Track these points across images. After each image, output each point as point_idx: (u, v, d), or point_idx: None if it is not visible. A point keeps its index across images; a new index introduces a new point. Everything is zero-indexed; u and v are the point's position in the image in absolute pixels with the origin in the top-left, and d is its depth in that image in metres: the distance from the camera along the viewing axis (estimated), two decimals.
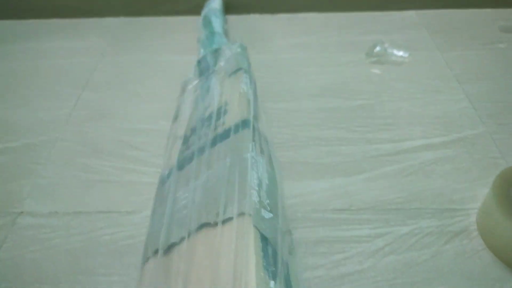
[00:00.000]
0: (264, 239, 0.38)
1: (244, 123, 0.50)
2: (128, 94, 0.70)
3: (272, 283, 0.34)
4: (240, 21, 0.90)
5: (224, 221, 0.39)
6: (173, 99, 0.68)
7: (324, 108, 0.66)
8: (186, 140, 0.54)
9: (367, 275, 0.46)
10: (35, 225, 0.51)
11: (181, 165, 0.50)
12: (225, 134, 0.50)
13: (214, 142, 0.50)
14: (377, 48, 0.74)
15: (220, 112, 0.55)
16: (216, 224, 0.39)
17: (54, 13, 0.91)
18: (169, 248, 0.41)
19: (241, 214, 0.40)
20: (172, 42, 0.84)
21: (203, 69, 0.66)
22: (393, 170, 0.57)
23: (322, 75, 0.73)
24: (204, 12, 0.86)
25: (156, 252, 0.41)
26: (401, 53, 0.75)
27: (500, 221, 0.45)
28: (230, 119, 0.52)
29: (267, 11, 0.91)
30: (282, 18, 0.90)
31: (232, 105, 0.55)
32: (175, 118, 0.61)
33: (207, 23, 0.80)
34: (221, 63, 0.63)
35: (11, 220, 0.52)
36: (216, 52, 0.67)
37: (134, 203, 0.53)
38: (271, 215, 0.41)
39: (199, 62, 0.68)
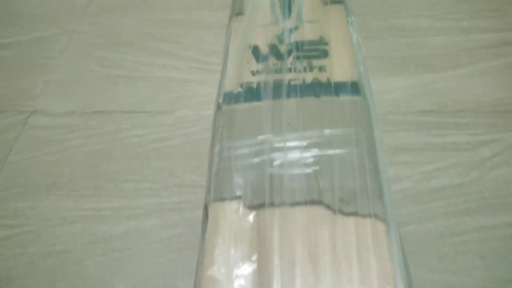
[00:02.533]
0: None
1: (355, 88, 0.35)
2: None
3: None
4: None
5: (348, 214, 0.28)
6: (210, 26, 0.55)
7: None
8: (262, 56, 0.39)
9: (470, 190, 0.34)
10: (49, 125, 0.42)
11: (266, 93, 0.36)
12: (329, 88, 0.36)
13: (316, 91, 0.35)
14: None
15: (318, 49, 0.39)
16: (335, 211, 0.29)
17: None
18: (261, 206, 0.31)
19: (375, 216, 0.29)
20: None
21: None
22: (499, 64, 0.43)
23: None
24: None
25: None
26: None
27: None
28: (333, 70, 0.37)
29: None
30: None
31: (335, 48, 0.38)
32: (237, 12, 0.46)
33: None
34: None
35: (23, 119, 0.43)
36: None
37: (164, 102, 0.43)
38: None
39: None
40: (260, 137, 0.32)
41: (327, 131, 0.32)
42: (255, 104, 0.36)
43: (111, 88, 0.45)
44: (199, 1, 0.53)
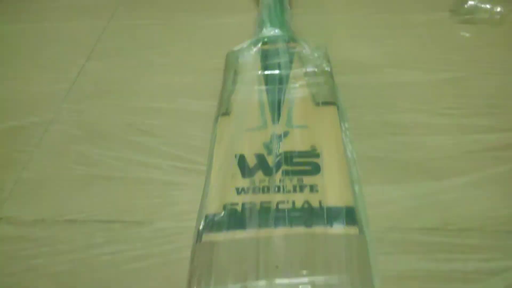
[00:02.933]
0: None
1: (350, 215, 0.32)
2: (141, 63, 0.56)
3: None
4: None
5: None
6: (201, 71, 0.53)
7: (396, 83, 0.49)
8: (248, 170, 0.36)
9: None
10: (14, 237, 0.38)
11: (251, 220, 0.32)
12: (322, 215, 0.32)
13: (307, 219, 0.31)
14: (468, 3, 0.55)
15: (309, 162, 0.35)
16: None
17: None
18: None
19: None
20: (199, 2, 0.68)
21: (270, 66, 0.46)
22: (506, 172, 0.40)
23: (392, 39, 0.56)
24: None
25: None
26: (498, 8, 0.56)
27: None
28: (326, 191, 0.33)
29: None
30: None
31: (327, 163, 0.35)
32: (223, 111, 0.43)
33: None
34: (302, 72, 0.44)
35: None
36: (291, 47, 0.48)
37: (142, 210, 0.39)
38: None
39: (264, 52, 0.48)
40: (242, 285, 0.28)
41: (319, 279, 0.28)
42: (239, 234, 0.32)
43: (87, 190, 0.41)
44: (186, 89, 0.51)
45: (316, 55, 0.46)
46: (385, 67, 0.51)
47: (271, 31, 0.50)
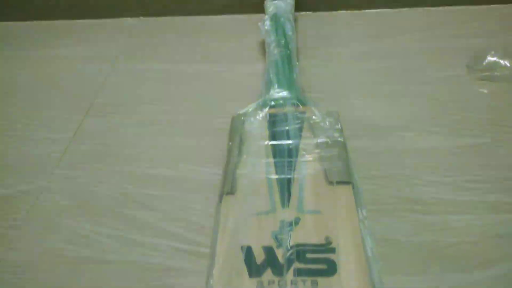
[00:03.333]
0: None
1: None
2: (142, 121, 0.53)
3: None
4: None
5: None
6: (204, 132, 0.50)
7: (415, 150, 0.45)
8: (256, 268, 0.31)
9: None
10: None
11: None
12: None
13: None
14: (487, 59, 0.53)
15: (324, 259, 0.31)
16: None
17: (57, 14, 0.75)
18: None
19: None
20: (203, 48, 0.66)
21: (278, 134, 0.42)
22: None
23: (407, 97, 0.52)
24: (271, 9, 0.62)
25: None
26: None
27: None
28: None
29: (323, 8, 0.71)
30: (345, 16, 0.70)
31: (344, 261, 0.31)
32: (227, 190, 0.39)
33: (280, 33, 0.57)
34: (313, 142, 0.41)
35: None
36: (300, 112, 0.44)
37: None
38: None
39: (272, 118, 0.44)
40: None
41: None
42: None
43: (76, 277, 0.38)
44: (189, 153, 0.48)
45: (327, 123, 0.42)
46: (402, 129, 0.48)
47: (279, 93, 0.47)
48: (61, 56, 0.67)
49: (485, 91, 0.52)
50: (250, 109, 0.46)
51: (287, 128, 0.43)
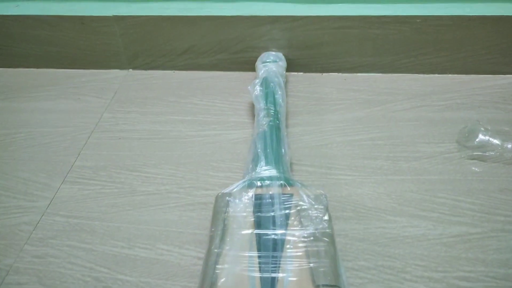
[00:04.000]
0: None
1: None
2: (121, 191, 0.50)
3: None
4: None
5: None
6: (186, 206, 0.48)
7: (403, 238, 0.44)
8: None
9: None
10: None
11: None
12: None
13: None
14: (479, 137, 0.52)
15: None
16: None
17: (43, 62, 0.74)
18: None
19: None
20: (192, 107, 0.64)
21: (264, 221, 0.40)
22: None
23: (396, 174, 0.51)
24: (262, 73, 0.63)
25: None
26: (510, 145, 0.52)
27: None
28: None
29: (314, 69, 0.70)
30: (336, 78, 0.70)
31: None
32: (207, 282, 0.36)
33: (270, 101, 0.56)
34: (300, 234, 0.39)
35: None
36: (287, 194, 0.42)
37: None
38: None
39: (258, 200, 0.42)
40: None
41: None
42: None
43: None
44: (168, 231, 0.45)
45: (315, 211, 0.41)
46: (390, 213, 0.46)
47: (266, 170, 0.46)
48: (43, 108, 0.65)
49: (477, 170, 0.51)
50: (235, 189, 0.44)
51: (273, 214, 0.41)
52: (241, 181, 0.45)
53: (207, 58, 0.71)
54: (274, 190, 0.43)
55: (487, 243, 0.43)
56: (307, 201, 0.42)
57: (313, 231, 0.39)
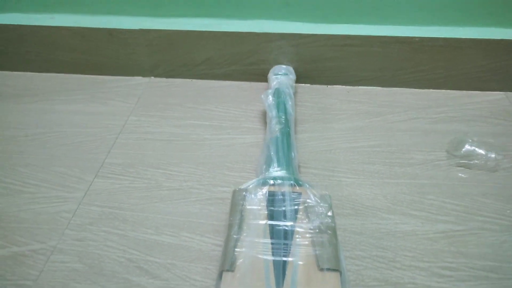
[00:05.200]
0: None
1: None
2: (148, 186, 0.57)
3: None
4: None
5: None
6: (206, 200, 0.54)
7: (395, 233, 0.50)
8: None
9: None
10: None
11: None
12: None
13: None
14: (465, 147, 0.59)
15: None
16: None
17: (69, 68, 0.81)
18: None
19: None
20: (209, 113, 0.71)
21: (276, 214, 0.47)
22: None
23: (389, 179, 0.58)
24: (275, 84, 0.70)
25: None
26: (493, 155, 0.59)
27: None
28: None
29: (320, 81, 0.77)
30: (340, 90, 0.76)
31: None
32: (227, 267, 0.42)
33: (282, 109, 0.63)
34: (308, 226, 0.45)
35: None
36: (296, 193, 0.49)
37: None
38: None
39: (271, 196, 0.48)
40: None
41: None
42: None
43: None
44: (191, 222, 0.52)
45: (321, 208, 0.47)
46: (384, 211, 0.53)
47: (278, 171, 0.52)
48: (74, 111, 0.72)
49: (463, 176, 0.58)
50: (251, 186, 0.50)
51: (284, 208, 0.47)
52: (256, 179, 0.52)
53: (222, 69, 0.78)
54: (285, 188, 0.50)
55: (468, 239, 0.49)
56: (313, 199, 0.48)
57: (319, 224, 0.45)
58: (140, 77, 0.80)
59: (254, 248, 0.43)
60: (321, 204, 0.48)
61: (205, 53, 0.77)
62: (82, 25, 0.76)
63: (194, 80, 0.80)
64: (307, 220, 0.46)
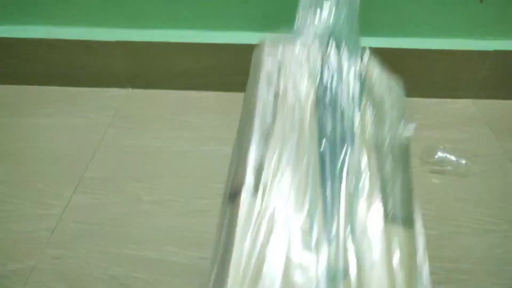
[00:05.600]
0: None
1: None
2: (128, 200, 0.57)
3: None
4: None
5: None
6: (188, 213, 0.54)
7: None
8: None
9: None
10: None
11: None
12: None
13: None
14: (438, 154, 0.61)
15: None
16: None
17: (46, 80, 0.80)
18: None
19: None
20: (189, 125, 0.71)
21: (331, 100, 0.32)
22: None
23: None
24: None
25: None
26: (463, 161, 0.62)
27: None
28: None
29: None
30: None
31: None
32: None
33: None
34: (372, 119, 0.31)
35: None
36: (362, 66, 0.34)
37: None
38: None
39: (325, 65, 0.33)
40: None
41: None
42: None
43: None
44: (173, 236, 0.52)
45: (392, 95, 0.32)
46: None
47: (335, 22, 0.34)
48: (50, 124, 0.71)
49: (436, 182, 0.60)
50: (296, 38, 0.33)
51: (347, 90, 0.32)
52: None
53: (201, 80, 0.79)
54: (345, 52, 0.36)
55: (442, 243, 0.52)
56: (380, 80, 0.35)
57: (389, 133, 0.32)
58: (117, 88, 0.80)
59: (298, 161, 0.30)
60: (392, 92, 0.32)
61: (183, 64, 0.77)
62: (57, 37, 0.74)
63: (172, 91, 0.80)
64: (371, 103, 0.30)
